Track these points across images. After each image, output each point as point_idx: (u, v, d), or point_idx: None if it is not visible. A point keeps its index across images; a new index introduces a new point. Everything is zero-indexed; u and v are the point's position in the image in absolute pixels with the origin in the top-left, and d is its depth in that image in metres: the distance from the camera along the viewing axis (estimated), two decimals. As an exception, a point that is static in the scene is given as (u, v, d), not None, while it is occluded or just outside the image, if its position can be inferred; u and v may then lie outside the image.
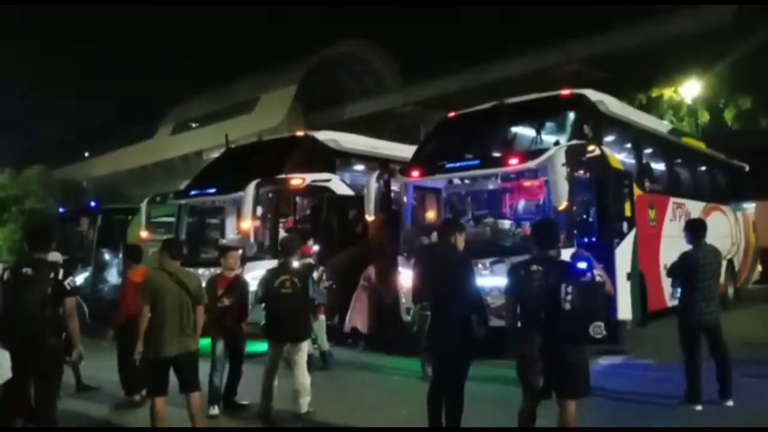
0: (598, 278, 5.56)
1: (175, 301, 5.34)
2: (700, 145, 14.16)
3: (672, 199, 11.01)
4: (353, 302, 9.88)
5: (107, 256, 14.80)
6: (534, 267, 4.63)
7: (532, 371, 4.56)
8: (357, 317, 9.81)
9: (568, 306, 4.44)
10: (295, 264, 6.65)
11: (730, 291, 12.88)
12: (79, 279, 13.37)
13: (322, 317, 8.70)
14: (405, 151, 12.05)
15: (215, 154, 16.48)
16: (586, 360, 4.68)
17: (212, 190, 11.10)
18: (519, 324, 4.71)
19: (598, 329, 4.83)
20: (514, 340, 4.79)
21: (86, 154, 49.76)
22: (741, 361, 6.61)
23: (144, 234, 11.53)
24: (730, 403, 6.05)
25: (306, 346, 6.41)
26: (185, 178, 17.15)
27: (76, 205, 21.64)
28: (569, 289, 4.47)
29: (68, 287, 4.95)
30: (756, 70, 19.11)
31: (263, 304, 6.45)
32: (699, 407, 5.96)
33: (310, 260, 8.70)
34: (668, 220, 10.54)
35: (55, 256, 6.78)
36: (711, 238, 6.53)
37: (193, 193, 11.56)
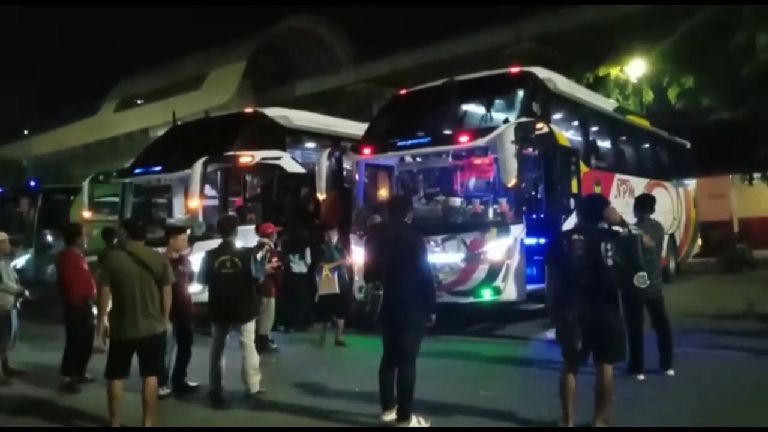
0: (634, 232, 5.69)
1: (135, 282, 5.17)
2: (645, 123, 14.53)
3: (617, 176, 11.28)
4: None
5: (49, 238, 14.31)
6: (575, 236, 4.80)
7: (571, 335, 4.68)
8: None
9: (609, 261, 4.59)
10: (238, 244, 6.52)
11: (672, 264, 13.35)
12: (21, 261, 12.98)
13: (272, 301, 8.45)
14: (357, 128, 11.95)
15: (162, 132, 16.02)
16: (623, 325, 4.86)
17: (158, 168, 10.77)
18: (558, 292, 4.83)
19: (641, 279, 4.96)
20: (554, 307, 4.92)
21: (26, 132, 47.90)
22: (681, 332, 6.86)
23: (87, 214, 11.15)
24: (671, 372, 6.26)
25: (252, 326, 6.32)
26: (130, 156, 16.65)
27: (16, 185, 20.89)
28: (608, 246, 4.63)
29: None
30: (698, 50, 19.61)
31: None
32: (641, 377, 6.14)
33: (267, 240, 8.56)
34: (613, 197, 10.78)
35: None
36: (654, 213, 6.72)
37: (138, 171, 11.21)
